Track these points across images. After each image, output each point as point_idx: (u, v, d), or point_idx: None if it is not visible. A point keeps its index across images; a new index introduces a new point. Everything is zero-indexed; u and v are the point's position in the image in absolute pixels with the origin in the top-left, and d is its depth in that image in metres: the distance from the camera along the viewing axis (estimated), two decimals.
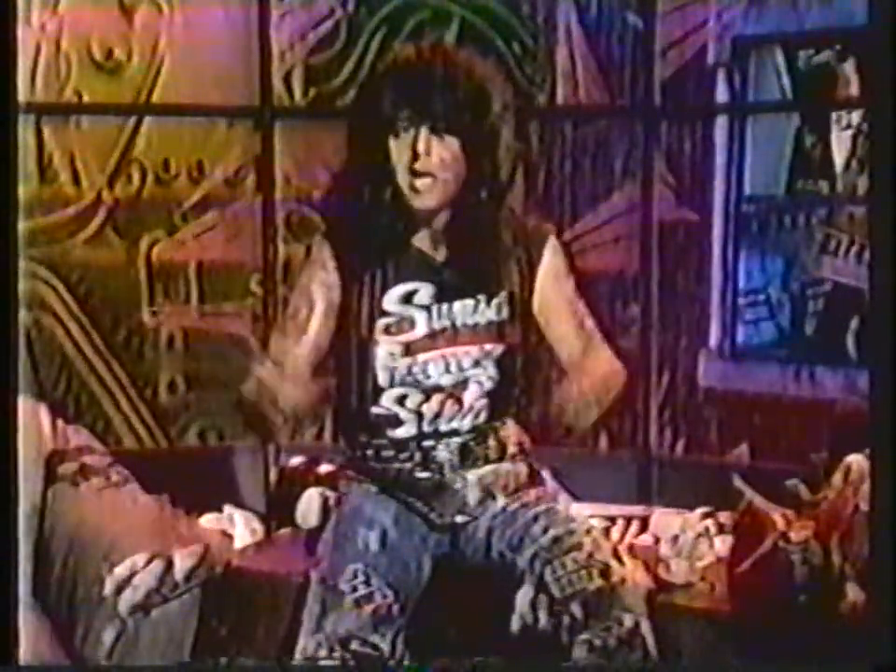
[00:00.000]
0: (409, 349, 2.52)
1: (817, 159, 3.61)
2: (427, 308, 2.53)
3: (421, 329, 2.53)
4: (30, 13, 3.56)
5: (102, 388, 3.70)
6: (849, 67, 3.54)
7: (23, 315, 3.03)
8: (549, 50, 3.75)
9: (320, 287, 2.52)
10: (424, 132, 2.43)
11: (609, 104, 3.75)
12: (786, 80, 3.64)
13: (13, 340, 2.49)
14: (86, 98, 3.67)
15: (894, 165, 2.37)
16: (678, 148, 3.71)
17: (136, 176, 3.69)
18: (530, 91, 3.75)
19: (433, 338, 2.53)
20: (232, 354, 3.71)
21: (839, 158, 3.57)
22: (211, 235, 3.73)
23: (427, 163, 2.44)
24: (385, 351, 2.52)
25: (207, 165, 3.72)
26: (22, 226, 2.64)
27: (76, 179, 3.67)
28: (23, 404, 2.78)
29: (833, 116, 3.59)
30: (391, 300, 2.52)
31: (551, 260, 2.59)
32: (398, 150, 2.45)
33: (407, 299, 2.52)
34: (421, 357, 2.53)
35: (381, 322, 2.52)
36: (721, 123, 3.70)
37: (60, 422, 3.41)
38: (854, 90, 3.54)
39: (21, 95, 2.76)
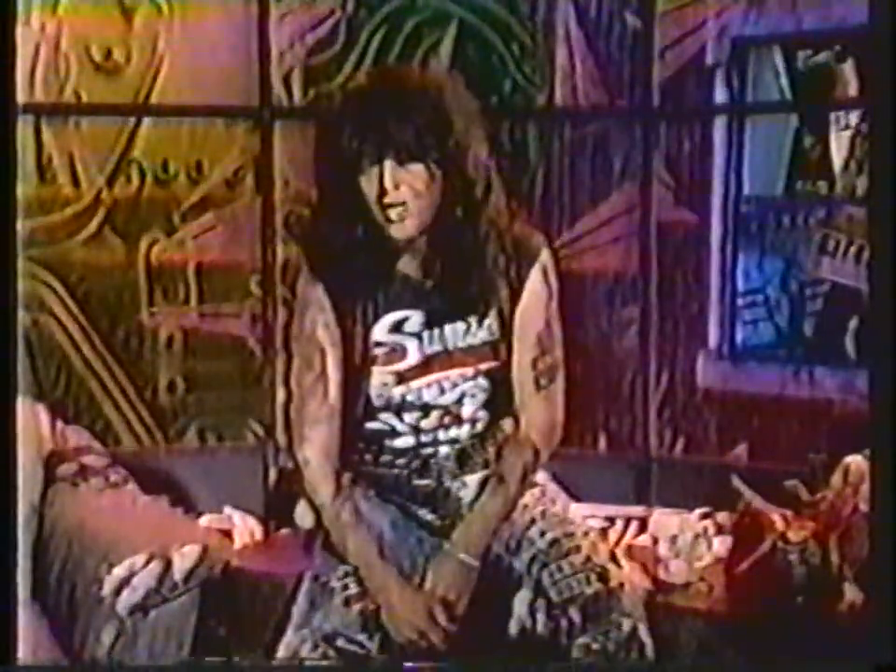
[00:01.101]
0: (402, 378, 2.50)
1: (815, 159, 3.61)
2: (418, 335, 2.50)
3: (413, 358, 2.50)
4: (29, 14, 3.55)
5: (101, 389, 3.70)
6: (848, 68, 3.54)
7: (22, 316, 3.02)
8: (548, 51, 3.75)
9: (325, 331, 2.50)
10: (389, 165, 2.38)
11: (608, 104, 3.75)
12: (785, 81, 3.64)
13: (12, 340, 2.50)
14: (85, 99, 3.66)
15: (893, 166, 2.37)
16: (676, 149, 3.71)
17: (135, 177, 3.69)
18: (529, 92, 3.75)
19: (426, 364, 2.50)
20: (231, 354, 3.72)
21: (838, 158, 3.57)
22: (210, 236, 3.72)
23: (397, 196, 2.39)
24: (377, 381, 2.51)
25: (206, 166, 3.71)
26: (21, 226, 2.64)
27: (75, 180, 3.67)
28: (23, 405, 2.79)
29: (832, 116, 3.59)
30: (382, 329, 2.50)
31: (537, 282, 2.53)
32: (367, 186, 2.41)
33: (397, 327, 2.50)
34: (414, 384, 2.50)
35: (373, 352, 2.50)
36: (719, 124, 3.70)
37: (59, 422, 3.41)
38: (853, 90, 3.54)
39: (21, 96, 2.76)
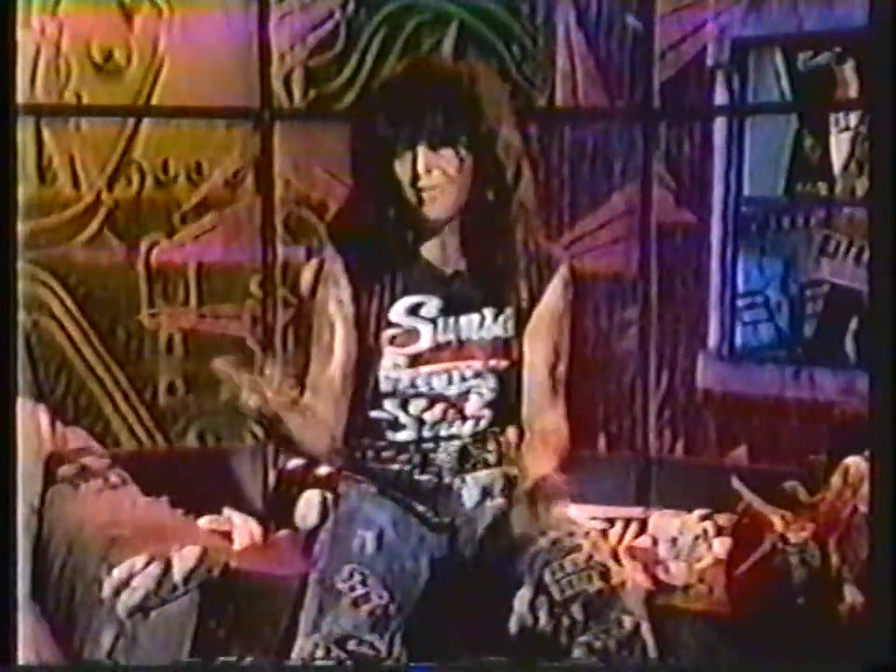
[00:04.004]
0: (413, 361, 2.53)
1: (816, 160, 3.61)
2: (433, 321, 2.53)
3: (426, 342, 2.53)
4: (30, 15, 3.56)
5: (101, 390, 3.70)
6: (848, 69, 3.54)
7: (22, 317, 3.03)
8: (548, 52, 3.76)
9: (336, 306, 2.53)
10: (422, 150, 2.44)
11: (609, 105, 3.75)
12: (785, 82, 3.64)
13: (12, 341, 2.50)
14: (85, 100, 3.67)
15: (893, 167, 2.37)
16: (677, 150, 3.71)
17: (136, 178, 3.69)
18: (530, 93, 3.75)
19: (438, 351, 2.53)
20: (231, 356, 3.71)
21: (838, 160, 3.57)
22: (210, 237, 3.73)
23: (429, 180, 2.44)
24: (389, 362, 2.53)
25: (206, 167, 3.72)
26: (22, 228, 2.64)
27: (75, 181, 3.67)
28: (22, 406, 2.79)
29: (832, 118, 3.59)
30: (398, 311, 2.52)
31: (557, 292, 2.58)
32: (402, 170, 2.46)
33: (414, 311, 2.53)
34: (424, 369, 2.53)
35: (387, 333, 2.52)
36: (719, 125, 3.70)
37: (59, 423, 3.41)
38: (853, 92, 3.54)
39: (21, 97, 2.77)
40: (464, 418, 2.56)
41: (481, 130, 2.46)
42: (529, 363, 2.57)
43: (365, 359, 2.53)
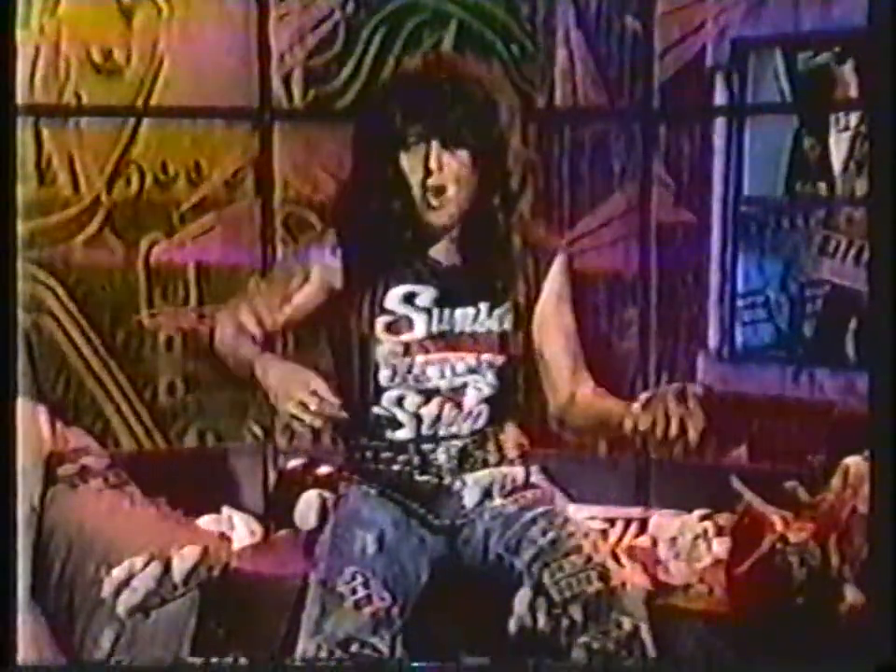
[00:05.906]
0: (407, 349, 2.54)
1: (815, 161, 3.61)
2: (428, 311, 2.53)
3: (420, 331, 2.53)
4: (29, 15, 3.56)
5: (101, 390, 3.70)
6: (848, 69, 3.54)
7: (22, 317, 3.02)
8: (548, 52, 3.75)
9: (321, 267, 2.54)
10: (435, 146, 2.44)
11: (608, 105, 3.75)
12: (785, 82, 3.64)
13: (12, 342, 2.50)
14: (85, 100, 3.67)
15: (893, 167, 2.37)
16: (676, 150, 3.71)
17: (135, 178, 3.69)
18: (529, 93, 3.75)
19: (431, 341, 2.54)
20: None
21: (838, 160, 3.57)
22: (210, 237, 3.73)
23: (440, 178, 2.45)
24: (387, 348, 2.53)
25: (206, 167, 3.72)
26: (21, 228, 2.64)
27: (74, 181, 3.67)
28: (22, 406, 2.79)
29: (832, 118, 3.58)
30: (392, 298, 2.53)
31: (557, 279, 2.60)
32: (409, 164, 2.45)
33: (408, 299, 2.53)
34: (419, 358, 2.54)
35: (382, 319, 2.53)
36: (719, 125, 3.70)
37: (59, 424, 3.40)
38: (853, 92, 3.54)
39: (21, 97, 2.76)
40: (461, 412, 2.56)
41: (494, 135, 2.47)
42: (547, 352, 2.60)
43: (362, 348, 2.54)
